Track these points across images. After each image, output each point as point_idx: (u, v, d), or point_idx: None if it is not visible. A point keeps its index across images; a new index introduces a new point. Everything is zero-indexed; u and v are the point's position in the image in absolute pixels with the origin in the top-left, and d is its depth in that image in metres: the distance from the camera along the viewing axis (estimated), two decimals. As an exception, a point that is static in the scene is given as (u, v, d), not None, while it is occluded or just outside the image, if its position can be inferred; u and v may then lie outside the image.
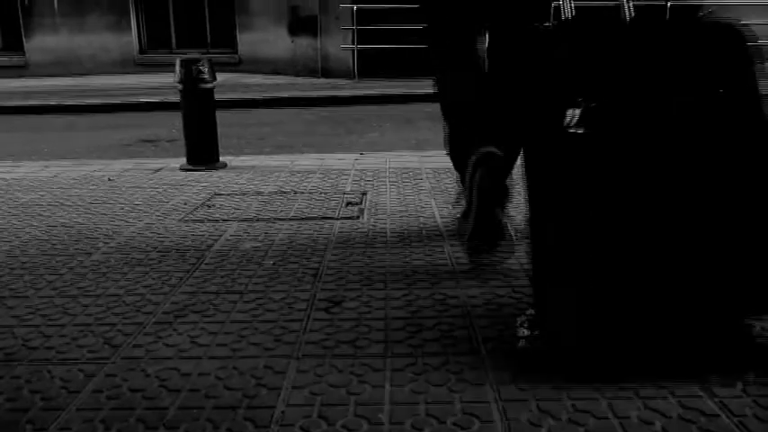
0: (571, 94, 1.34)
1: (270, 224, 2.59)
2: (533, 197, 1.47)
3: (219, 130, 3.99)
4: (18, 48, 13.54)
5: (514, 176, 2.14)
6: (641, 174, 1.31)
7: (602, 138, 1.32)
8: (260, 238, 2.41)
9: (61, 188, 3.35)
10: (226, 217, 2.72)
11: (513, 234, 1.97)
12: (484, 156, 1.98)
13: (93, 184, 3.43)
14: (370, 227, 2.52)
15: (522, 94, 1.62)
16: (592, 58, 1.37)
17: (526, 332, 1.54)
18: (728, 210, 1.31)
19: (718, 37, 1.37)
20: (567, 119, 1.33)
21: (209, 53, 13.17)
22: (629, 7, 1.58)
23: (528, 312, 1.64)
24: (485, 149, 2.01)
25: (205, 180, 3.49)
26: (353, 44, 11.93)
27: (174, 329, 1.64)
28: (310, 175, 3.55)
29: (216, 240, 2.39)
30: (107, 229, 2.57)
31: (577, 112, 1.32)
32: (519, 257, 2.01)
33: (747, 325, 1.45)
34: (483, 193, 1.98)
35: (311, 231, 2.47)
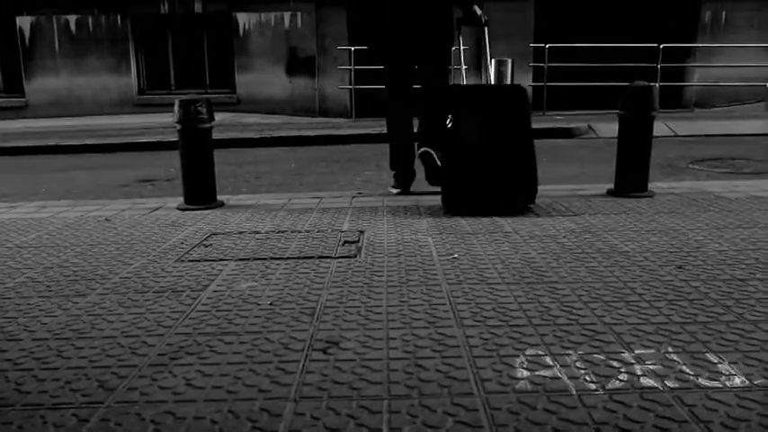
0: (447, 113, 3.61)
1: (267, 263, 2.58)
2: (443, 145, 3.60)
3: (217, 169, 4.01)
4: (18, 89, 13.66)
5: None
6: (474, 135, 3.43)
7: (457, 126, 3.48)
8: (256, 277, 2.40)
9: (57, 229, 3.35)
10: (222, 256, 2.71)
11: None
12: (424, 151, 4.08)
13: (90, 225, 3.43)
14: (368, 266, 2.51)
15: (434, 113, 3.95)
16: (453, 98, 3.58)
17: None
18: (505, 151, 3.43)
19: (517, 87, 3.60)
20: (447, 121, 3.56)
21: (208, 93, 13.31)
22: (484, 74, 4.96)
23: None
24: (425, 149, 4.07)
25: (202, 219, 3.50)
26: (350, 84, 12.08)
27: (170, 372, 1.62)
28: (307, 214, 3.56)
29: (212, 280, 2.38)
30: (103, 269, 2.56)
31: (450, 119, 3.55)
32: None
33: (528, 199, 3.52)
34: (424, 163, 4.12)
35: (308, 270, 2.47)
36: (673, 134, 8.69)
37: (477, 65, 12.86)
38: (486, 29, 4.21)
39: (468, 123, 3.43)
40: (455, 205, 3.48)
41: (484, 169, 3.42)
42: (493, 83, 4.10)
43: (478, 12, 4.07)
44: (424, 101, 4.00)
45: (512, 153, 3.42)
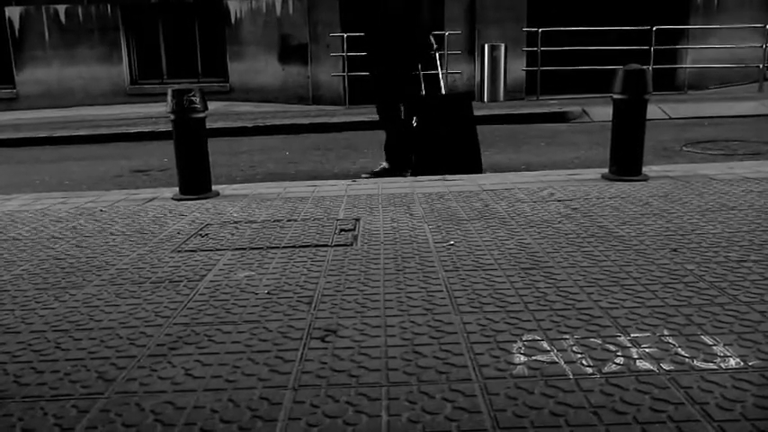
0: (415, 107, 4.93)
1: (263, 253, 2.59)
2: (419, 136, 4.87)
3: (211, 158, 3.99)
4: (8, 80, 13.55)
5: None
6: (434, 125, 4.82)
7: (424, 119, 4.84)
8: (253, 266, 2.40)
9: (52, 221, 3.34)
10: (219, 246, 2.71)
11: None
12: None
13: (85, 217, 3.42)
14: (364, 253, 2.52)
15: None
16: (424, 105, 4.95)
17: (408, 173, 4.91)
18: (456, 140, 4.84)
19: (463, 95, 5.53)
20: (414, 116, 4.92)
21: (201, 82, 13.22)
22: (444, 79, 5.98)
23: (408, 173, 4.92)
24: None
25: (197, 209, 3.49)
26: (344, 71, 12.02)
27: (169, 362, 1.62)
28: (303, 203, 3.56)
29: (209, 270, 2.38)
30: (99, 261, 2.56)
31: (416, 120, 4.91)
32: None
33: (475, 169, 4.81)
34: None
35: (305, 259, 2.47)
36: (667, 117, 8.70)
37: (471, 50, 12.82)
38: (437, 54, 5.23)
39: (433, 120, 4.81)
40: (423, 172, 4.73)
41: (443, 149, 4.82)
42: (444, 91, 5.57)
43: (431, 41, 5.11)
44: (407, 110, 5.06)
45: (461, 139, 4.84)
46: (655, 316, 1.80)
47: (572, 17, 12.59)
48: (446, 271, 2.26)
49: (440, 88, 5.33)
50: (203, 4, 13.24)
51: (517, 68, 12.47)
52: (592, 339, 1.66)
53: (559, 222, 2.90)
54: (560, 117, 8.92)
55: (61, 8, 13.19)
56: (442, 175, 4.35)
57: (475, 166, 4.81)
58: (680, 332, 1.69)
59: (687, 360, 1.53)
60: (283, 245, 2.70)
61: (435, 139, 4.78)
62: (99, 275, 2.36)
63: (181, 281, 2.27)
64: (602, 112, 8.52)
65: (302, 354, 1.64)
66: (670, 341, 1.64)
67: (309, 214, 3.26)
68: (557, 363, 1.54)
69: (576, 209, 3.16)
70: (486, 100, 12.00)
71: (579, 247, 2.50)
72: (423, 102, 4.97)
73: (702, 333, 1.68)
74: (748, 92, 11.46)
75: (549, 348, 1.62)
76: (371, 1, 4.88)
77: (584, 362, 1.54)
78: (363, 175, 4.98)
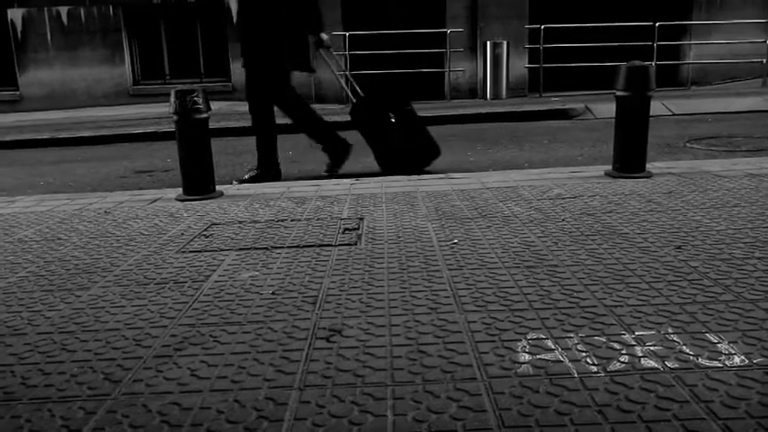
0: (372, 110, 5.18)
1: (267, 253, 2.59)
2: (371, 133, 5.19)
3: (215, 158, 4.00)
4: (11, 82, 13.58)
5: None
6: (387, 124, 5.05)
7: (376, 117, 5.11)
8: (258, 267, 2.41)
9: (57, 222, 3.35)
10: (223, 246, 2.72)
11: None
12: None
13: (90, 218, 3.43)
14: (368, 253, 2.52)
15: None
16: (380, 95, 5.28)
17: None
18: (408, 136, 5.04)
19: (387, 92, 5.47)
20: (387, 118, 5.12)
21: (203, 82, 13.24)
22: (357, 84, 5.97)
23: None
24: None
25: (201, 210, 3.50)
26: (346, 70, 12.01)
27: (175, 363, 1.63)
28: (306, 202, 3.56)
29: (214, 271, 2.38)
30: (104, 262, 2.57)
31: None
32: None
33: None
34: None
35: (309, 259, 2.47)
36: (670, 113, 8.68)
37: (473, 47, 12.81)
38: (330, 49, 5.42)
39: (394, 126, 5.04)
40: (389, 169, 4.99)
41: (396, 145, 5.05)
42: (357, 90, 5.60)
43: (324, 37, 5.28)
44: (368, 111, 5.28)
45: (413, 139, 5.06)
46: (659, 314, 1.80)
47: (574, 14, 12.57)
48: (450, 270, 2.26)
49: (355, 89, 5.47)
50: (205, 5, 13.25)
51: (519, 66, 12.46)
52: (596, 338, 1.66)
53: (563, 220, 2.90)
54: (563, 114, 8.91)
55: (63, 10, 13.22)
56: (446, 174, 4.33)
57: (433, 152, 5.07)
58: (684, 330, 1.69)
59: (692, 358, 1.53)
60: (287, 245, 2.70)
61: (384, 137, 5.03)
62: (104, 277, 2.37)
63: (185, 282, 2.27)
64: (606, 108, 8.51)
65: (307, 354, 1.64)
66: (675, 339, 1.64)
67: (313, 214, 3.27)
68: (561, 361, 1.54)
69: (579, 206, 3.16)
70: (488, 97, 12.00)
71: (583, 244, 2.50)
72: (360, 102, 5.19)
73: (707, 331, 1.68)
74: (752, 87, 11.43)
75: (553, 347, 1.62)
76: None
77: (588, 360, 1.54)
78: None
